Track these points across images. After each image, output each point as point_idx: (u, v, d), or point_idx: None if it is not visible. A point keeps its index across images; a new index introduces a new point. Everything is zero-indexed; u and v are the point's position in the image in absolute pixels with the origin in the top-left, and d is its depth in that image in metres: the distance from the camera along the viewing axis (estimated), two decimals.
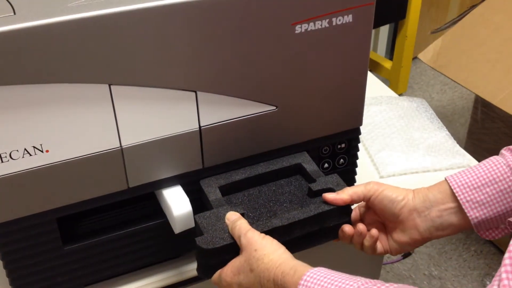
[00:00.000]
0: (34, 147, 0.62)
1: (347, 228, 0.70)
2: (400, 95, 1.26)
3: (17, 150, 0.62)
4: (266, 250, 0.62)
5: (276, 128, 0.75)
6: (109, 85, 0.62)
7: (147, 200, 0.76)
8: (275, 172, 0.77)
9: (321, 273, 0.57)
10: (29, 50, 0.57)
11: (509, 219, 0.63)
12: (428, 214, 0.69)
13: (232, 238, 0.65)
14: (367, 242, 0.70)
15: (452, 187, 0.67)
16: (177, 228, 0.71)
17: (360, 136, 0.84)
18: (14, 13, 0.58)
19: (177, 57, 0.64)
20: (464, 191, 0.67)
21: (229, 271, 0.65)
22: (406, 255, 1.68)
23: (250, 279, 0.62)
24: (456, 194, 0.67)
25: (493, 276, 1.72)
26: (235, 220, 0.66)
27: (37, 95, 0.60)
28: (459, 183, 0.67)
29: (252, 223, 0.67)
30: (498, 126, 1.64)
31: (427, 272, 1.75)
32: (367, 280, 0.55)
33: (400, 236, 0.71)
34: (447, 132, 1.05)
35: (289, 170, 0.78)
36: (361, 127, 0.83)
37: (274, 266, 0.60)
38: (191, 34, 0.63)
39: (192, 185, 0.74)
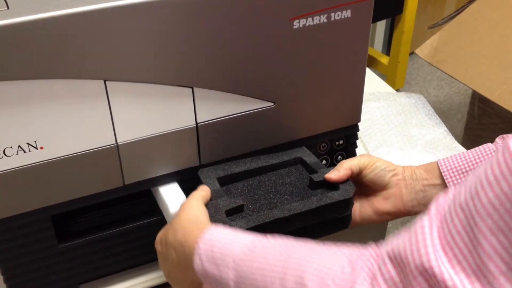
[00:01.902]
0: (28, 143, 0.61)
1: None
2: (397, 90, 1.25)
3: (11, 147, 0.61)
4: (189, 211, 0.63)
5: (274, 125, 0.75)
6: (105, 81, 0.61)
7: (143, 198, 0.75)
8: (275, 166, 0.76)
9: (226, 228, 0.58)
10: (23, 45, 0.56)
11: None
12: (413, 187, 0.70)
13: None
14: None
15: (441, 170, 0.69)
16: None
17: (358, 133, 0.84)
18: (8, 8, 0.57)
19: (173, 53, 0.63)
20: (452, 174, 0.68)
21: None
22: None
23: (166, 230, 0.64)
24: (444, 177, 0.68)
25: None
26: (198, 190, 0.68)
27: (31, 91, 0.59)
28: (448, 167, 0.68)
29: (252, 215, 0.67)
30: (495, 122, 1.64)
31: None
32: (264, 235, 0.56)
33: (381, 204, 0.72)
34: (445, 128, 1.05)
35: (289, 163, 0.77)
36: (359, 124, 0.82)
37: (186, 219, 0.61)
38: (187, 30, 0.62)
39: (188, 182, 0.73)
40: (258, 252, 0.52)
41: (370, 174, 0.72)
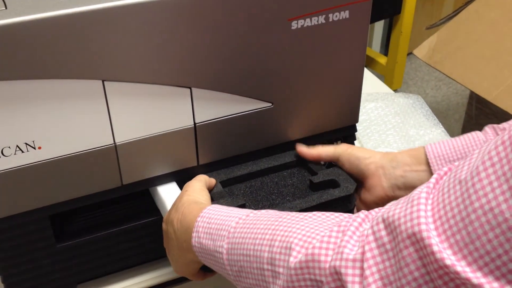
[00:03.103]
0: (26, 143, 0.61)
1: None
2: (395, 91, 1.25)
3: (9, 147, 0.61)
4: (192, 192, 0.65)
5: (272, 125, 0.75)
6: (103, 81, 0.62)
7: (141, 197, 0.75)
8: (277, 168, 0.77)
9: (220, 206, 0.60)
10: (21, 45, 0.56)
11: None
12: (392, 172, 0.70)
13: None
14: None
15: (428, 157, 0.68)
16: None
17: (356, 133, 0.84)
18: (6, 8, 0.57)
19: (172, 53, 0.63)
20: (438, 161, 0.67)
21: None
22: None
23: (170, 213, 0.65)
24: (431, 164, 0.68)
25: None
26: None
27: (29, 91, 0.59)
28: (436, 154, 0.68)
29: None
30: (493, 123, 1.64)
31: None
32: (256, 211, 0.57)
33: (366, 196, 0.72)
34: (443, 129, 1.05)
35: (291, 165, 0.77)
36: (357, 124, 0.82)
37: (189, 200, 0.63)
38: (185, 30, 0.62)
39: (186, 182, 0.73)
40: (249, 220, 0.54)
41: (346, 163, 0.72)
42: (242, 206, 0.68)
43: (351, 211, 0.71)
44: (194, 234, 0.58)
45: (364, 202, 0.72)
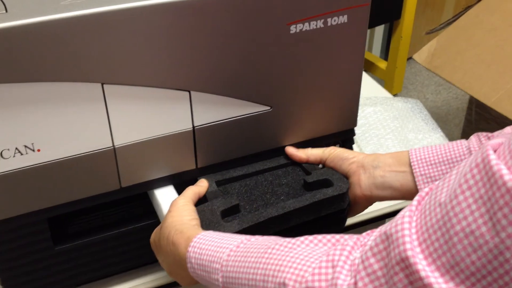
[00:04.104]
0: (25, 146, 0.62)
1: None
2: (395, 95, 1.26)
3: (8, 149, 0.61)
4: (174, 212, 0.65)
5: (270, 129, 0.75)
6: (102, 84, 0.62)
7: (140, 200, 0.75)
8: (272, 169, 0.77)
9: (214, 233, 0.59)
10: (21, 48, 0.56)
11: None
12: (372, 172, 0.70)
13: (226, 232, 0.65)
14: None
15: (411, 159, 0.69)
16: None
17: (354, 137, 0.84)
18: (6, 11, 0.57)
19: (171, 57, 0.64)
20: (421, 165, 0.68)
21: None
22: None
23: (157, 235, 0.65)
24: (413, 167, 0.68)
25: None
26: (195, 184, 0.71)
27: (28, 93, 0.59)
28: (418, 157, 0.68)
29: (247, 215, 0.67)
30: (492, 127, 1.64)
31: None
32: (249, 236, 0.57)
33: None
34: (442, 133, 1.05)
35: (286, 165, 0.78)
36: (355, 128, 0.83)
37: (172, 225, 0.63)
38: (184, 33, 0.63)
39: (185, 185, 0.73)
40: (240, 253, 0.54)
41: (331, 163, 0.74)
42: (236, 207, 0.68)
43: (344, 209, 0.72)
44: (188, 265, 0.58)
45: None
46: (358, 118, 0.82)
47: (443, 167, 0.67)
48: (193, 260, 0.57)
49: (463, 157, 0.66)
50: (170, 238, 0.61)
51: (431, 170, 0.67)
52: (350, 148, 0.84)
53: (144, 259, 0.78)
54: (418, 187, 0.68)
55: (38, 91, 0.59)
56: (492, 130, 0.69)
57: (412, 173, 0.68)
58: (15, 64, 0.57)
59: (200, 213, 0.67)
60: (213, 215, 0.67)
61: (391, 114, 1.09)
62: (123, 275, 0.79)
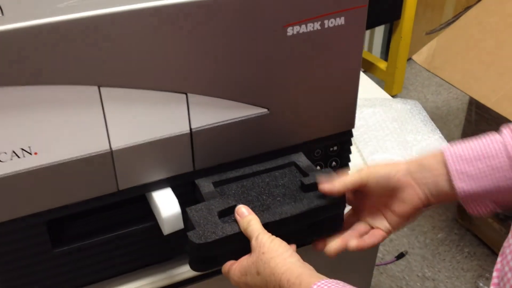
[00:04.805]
0: (22, 149, 0.62)
1: (332, 249, 0.71)
2: (395, 96, 1.26)
3: (5, 152, 0.61)
4: (273, 254, 0.62)
5: (268, 131, 0.75)
6: (99, 87, 0.62)
7: (138, 203, 0.75)
8: (270, 170, 0.77)
9: (329, 285, 0.57)
10: (17, 51, 0.56)
11: None
12: (425, 182, 0.69)
13: (224, 232, 0.65)
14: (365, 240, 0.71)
15: (446, 157, 0.68)
16: (166, 230, 0.71)
17: (353, 138, 0.84)
18: (2, 14, 0.57)
19: (168, 59, 0.64)
20: (456, 161, 0.67)
21: (237, 270, 0.65)
22: (400, 256, 1.68)
23: (257, 282, 0.63)
24: (448, 164, 0.67)
25: (486, 278, 1.72)
26: (249, 219, 0.66)
27: (25, 96, 0.59)
28: (453, 154, 0.67)
29: None
30: (493, 128, 1.64)
31: (420, 274, 1.75)
32: None
33: (401, 207, 0.71)
34: (441, 135, 1.05)
35: (283, 167, 0.78)
36: (354, 129, 0.83)
37: (279, 271, 0.61)
38: (181, 36, 0.63)
39: (183, 188, 0.73)
40: None
41: (376, 185, 0.70)
42: (232, 208, 0.68)
43: (341, 214, 0.72)
44: None
45: (399, 214, 0.71)
46: (357, 119, 0.82)
47: (479, 164, 0.66)
48: None
49: (499, 154, 0.65)
50: (278, 284, 0.60)
51: (466, 167, 0.66)
52: (348, 150, 0.84)
53: (143, 261, 0.78)
54: (455, 185, 0.67)
55: (34, 94, 0.59)
56: (492, 131, 0.68)
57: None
58: (12, 67, 0.57)
59: (198, 212, 0.68)
60: (210, 214, 0.67)
61: (390, 116, 1.09)
62: (122, 277, 0.79)
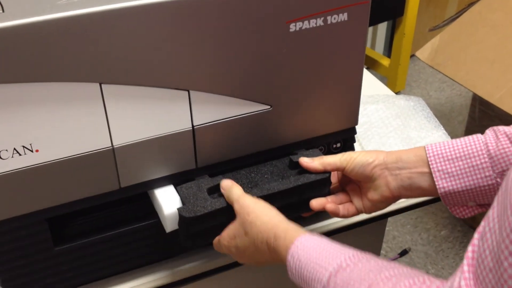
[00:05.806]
0: (23, 146, 0.61)
1: (315, 203, 0.74)
2: (398, 92, 1.25)
3: (7, 150, 0.61)
4: (258, 213, 0.65)
5: (270, 128, 0.74)
6: (100, 84, 0.61)
7: (140, 200, 0.75)
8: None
9: (312, 240, 0.60)
10: (18, 48, 0.56)
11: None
12: (399, 174, 0.71)
13: (213, 206, 0.68)
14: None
15: (428, 155, 0.69)
16: (168, 227, 0.70)
17: (356, 135, 0.83)
18: (3, 11, 0.57)
19: (170, 56, 0.63)
20: (437, 160, 0.68)
21: (226, 235, 0.69)
22: (403, 253, 1.67)
23: (245, 242, 0.66)
24: (430, 163, 0.68)
25: None
26: (229, 186, 0.69)
27: (26, 94, 0.59)
28: (435, 152, 0.69)
29: None
30: (496, 125, 1.63)
31: (423, 270, 1.74)
32: (355, 252, 0.57)
33: (373, 195, 0.73)
34: (444, 131, 1.05)
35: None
36: (357, 126, 0.82)
37: (266, 228, 0.64)
38: (183, 33, 0.62)
39: None
40: (340, 281, 0.55)
41: (352, 171, 0.73)
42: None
43: (327, 193, 0.74)
44: (288, 269, 0.60)
45: (371, 201, 0.73)
46: (360, 116, 0.81)
47: (460, 163, 0.67)
48: (294, 271, 0.59)
49: (480, 153, 0.66)
50: (271, 245, 0.63)
51: (448, 166, 0.67)
52: (352, 146, 0.84)
53: (145, 259, 0.78)
54: (436, 183, 0.68)
55: (36, 91, 0.59)
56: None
57: (431, 173, 0.68)
58: (13, 64, 0.56)
59: (188, 190, 0.70)
60: (200, 191, 0.70)
61: (393, 112, 1.08)
62: (123, 275, 0.79)
